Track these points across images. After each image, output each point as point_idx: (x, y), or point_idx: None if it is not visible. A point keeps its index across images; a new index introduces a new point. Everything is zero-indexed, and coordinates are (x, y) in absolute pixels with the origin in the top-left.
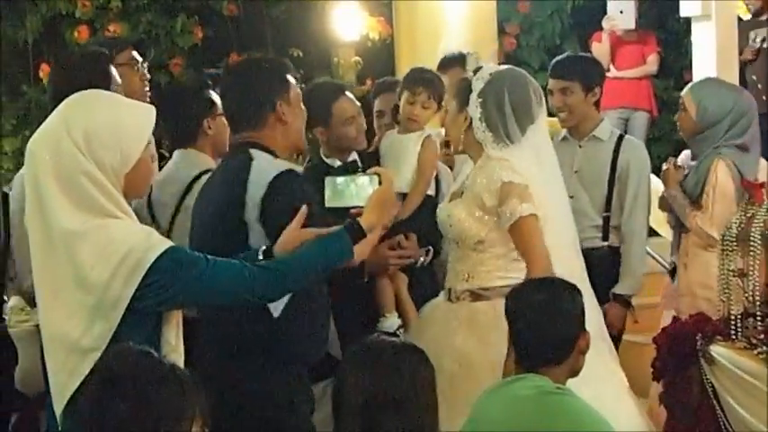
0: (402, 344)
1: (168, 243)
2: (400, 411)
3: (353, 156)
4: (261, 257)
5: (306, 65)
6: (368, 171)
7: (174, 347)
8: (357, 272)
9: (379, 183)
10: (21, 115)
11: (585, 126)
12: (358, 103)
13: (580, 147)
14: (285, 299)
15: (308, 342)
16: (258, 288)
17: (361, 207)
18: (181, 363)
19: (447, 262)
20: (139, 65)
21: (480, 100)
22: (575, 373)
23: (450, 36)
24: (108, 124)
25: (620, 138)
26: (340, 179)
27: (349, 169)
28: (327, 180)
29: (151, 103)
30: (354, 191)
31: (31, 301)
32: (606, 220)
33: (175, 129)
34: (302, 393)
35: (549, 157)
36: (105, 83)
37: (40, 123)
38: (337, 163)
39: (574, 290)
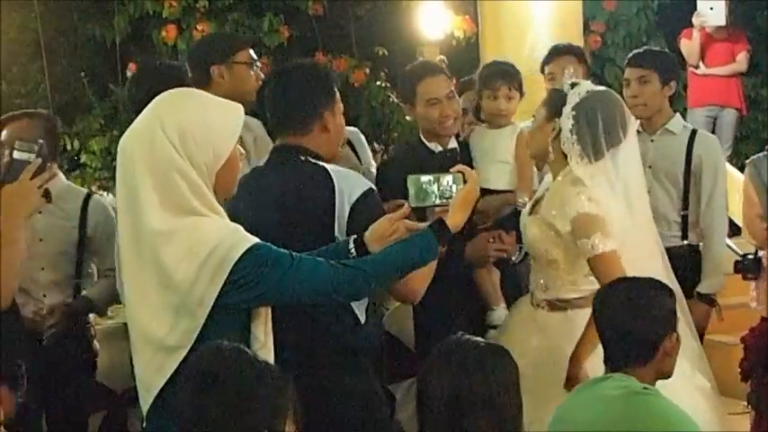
0: (487, 344)
1: (254, 240)
2: (485, 411)
3: (453, 143)
4: (352, 246)
5: (390, 63)
6: (451, 170)
7: (263, 344)
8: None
9: (464, 181)
10: (108, 115)
11: (658, 120)
12: (449, 87)
13: (652, 141)
14: (365, 302)
15: (375, 334)
16: (343, 287)
17: (445, 205)
18: (271, 359)
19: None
20: (256, 65)
21: (574, 113)
22: (663, 374)
23: (535, 34)
24: (200, 122)
25: (694, 132)
26: (424, 178)
27: (447, 157)
28: (411, 179)
29: None
30: (439, 190)
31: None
32: (684, 218)
33: None
34: (381, 392)
35: (637, 174)
36: None
37: (128, 123)
38: (439, 148)
39: (662, 290)
